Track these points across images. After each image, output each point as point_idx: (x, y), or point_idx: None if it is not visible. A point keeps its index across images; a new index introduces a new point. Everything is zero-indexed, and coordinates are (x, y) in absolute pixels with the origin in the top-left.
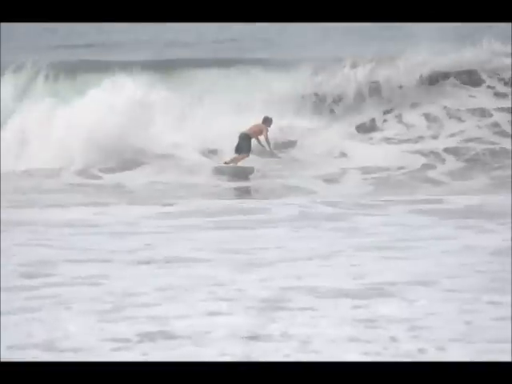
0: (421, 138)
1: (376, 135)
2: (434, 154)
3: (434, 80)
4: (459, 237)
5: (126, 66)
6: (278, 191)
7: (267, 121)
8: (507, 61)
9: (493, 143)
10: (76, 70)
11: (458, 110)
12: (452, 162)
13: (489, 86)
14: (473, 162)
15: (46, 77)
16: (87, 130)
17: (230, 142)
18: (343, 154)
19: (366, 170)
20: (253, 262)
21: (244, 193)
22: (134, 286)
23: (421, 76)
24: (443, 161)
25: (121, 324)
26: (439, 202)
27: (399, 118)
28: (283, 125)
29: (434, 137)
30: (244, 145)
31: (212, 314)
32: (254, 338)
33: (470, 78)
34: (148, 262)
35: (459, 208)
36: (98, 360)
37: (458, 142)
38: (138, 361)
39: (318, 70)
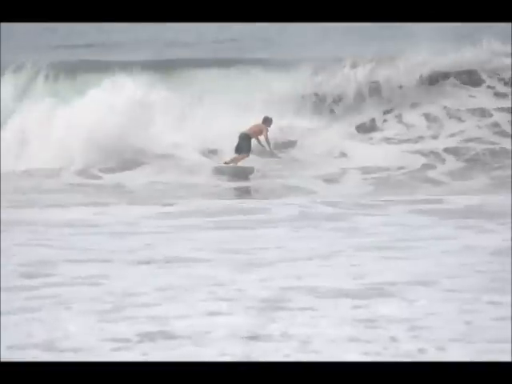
0: (421, 138)
1: (376, 135)
2: (433, 153)
3: (434, 80)
4: (459, 237)
5: (125, 66)
6: (277, 191)
7: (267, 121)
8: (507, 61)
9: (493, 143)
10: (76, 70)
11: (458, 109)
12: (452, 162)
13: (489, 86)
14: (473, 161)
15: (46, 77)
16: (87, 130)
17: (230, 141)
18: (343, 154)
19: (366, 170)
20: (253, 262)
21: (244, 193)
22: (134, 286)
23: (421, 76)
24: (443, 161)
25: (121, 324)
26: (439, 202)
27: (399, 118)
28: (283, 125)
29: (434, 137)
30: (244, 145)
31: (212, 314)
32: (254, 338)
33: (470, 78)
34: (148, 262)
35: (459, 208)
36: (98, 360)
37: (458, 142)
38: (138, 361)
39: (318, 69)
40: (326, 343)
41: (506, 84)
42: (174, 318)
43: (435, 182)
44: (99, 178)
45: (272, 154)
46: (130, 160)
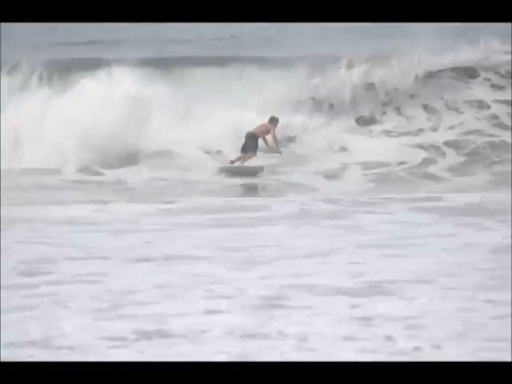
0: (420, 130)
1: (375, 128)
2: (434, 147)
3: (430, 78)
4: (459, 234)
5: (124, 64)
6: (278, 188)
7: (274, 120)
8: (505, 58)
9: (492, 136)
10: (72, 68)
11: (456, 101)
12: (452, 157)
13: (485, 79)
14: (473, 155)
15: (40, 77)
16: (83, 127)
17: (230, 139)
18: (343, 149)
19: (366, 166)
20: (252, 260)
21: (246, 190)
22: (133, 284)
23: (416, 76)
24: (443, 155)
25: (119, 322)
26: (439, 199)
27: (398, 110)
28: (282, 121)
29: (434, 129)
30: (251, 144)
31: (210, 312)
32: (252, 336)
33: (466, 72)
34: (147, 260)
35: (459, 206)
36: (94, 358)
37: (458, 135)
38: (135, 360)
39: (314, 71)
40: (325, 341)
41: (502, 77)
42: (172, 316)
43: (436, 178)
44: (100, 174)
45: (280, 153)
46: (129, 157)
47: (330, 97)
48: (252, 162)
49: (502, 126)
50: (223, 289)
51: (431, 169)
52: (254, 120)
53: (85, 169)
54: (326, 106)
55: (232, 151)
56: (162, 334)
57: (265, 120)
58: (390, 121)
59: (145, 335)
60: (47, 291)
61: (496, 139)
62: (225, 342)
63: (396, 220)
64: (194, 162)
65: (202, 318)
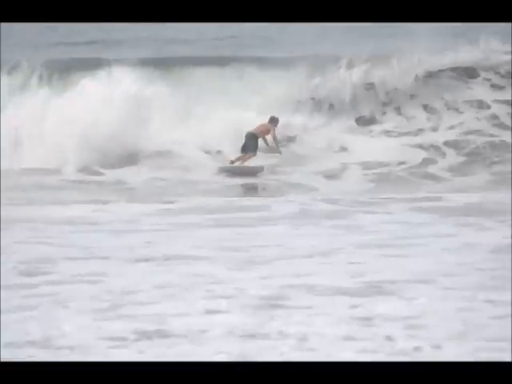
0: (420, 130)
1: (376, 128)
2: (434, 147)
3: (430, 78)
4: (459, 234)
5: (124, 64)
6: (278, 188)
7: (274, 120)
8: (505, 58)
9: (492, 135)
10: (72, 68)
11: (456, 101)
12: (452, 157)
13: (485, 79)
14: (473, 155)
15: (40, 77)
16: (83, 127)
17: (230, 139)
18: (343, 149)
19: (366, 166)
20: (252, 260)
21: (246, 190)
22: (133, 284)
23: (416, 76)
24: (443, 155)
25: (119, 322)
26: (439, 199)
27: (398, 110)
28: (282, 121)
29: (434, 129)
30: (251, 144)
31: (210, 312)
32: (252, 336)
33: (466, 72)
34: (147, 260)
35: (459, 206)
36: (94, 358)
37: (458, 135)
38: (135, 360)
39: (314, 71)
40: (325, 341)
41: (502, 77)
42: (172, 316)
43: (436, 178)
44: (100, 174)
45: (280, 153)
46: (129, 157)
47: (329, 97)
48: (252, 162)
49: (501, 126)
50: (223, 289)
51: (431, 169)
52: (254, 120)
53: (85, 169)
54: (326, 106)
55: (232, 151)
56: (162, 334)
57: (265, 120)
58: (390, 121)
59: (145, 335)
60: (47, 291)
61: (496, 139)
62: (225, 342)
63: (396, 220)
64: (194, 162)
65: (202, 317)
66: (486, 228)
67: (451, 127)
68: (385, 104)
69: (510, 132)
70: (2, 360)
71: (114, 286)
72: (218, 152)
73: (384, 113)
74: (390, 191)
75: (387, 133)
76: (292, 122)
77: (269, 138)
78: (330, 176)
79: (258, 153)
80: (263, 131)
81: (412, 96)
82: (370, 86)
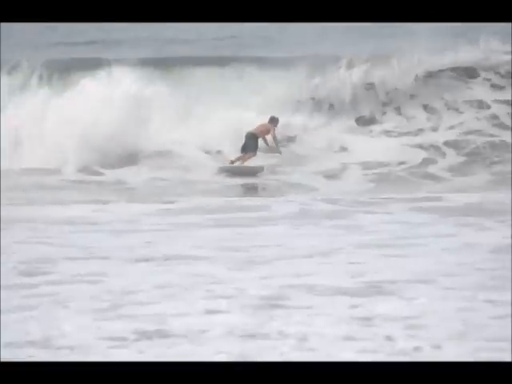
0: (420, 130)
1: (376, 128)
2: (434, 147)
3: (430, 78)
4: (459, 234)
5: (124, 64)
6: (278, 188)
7: (274, 120)
8: (505, 58)
9: (492, 135)
10: (72, 68)
11: (456, 101)
12: (452, 157)
13: (485, 79)
14: (473, 155)
15: (40, 77)
16: (83, 127)
17: (230, 139)
18: (343, 149)
19: (366, 166)
20: (252, 260)
21: (246, 190)
22: (133, 284)
23: (416, 76)
24: (443, 155)
25: (119, 322)
26: (439, 199)
27: (398, 110)
28: (282, 121)
29: (434, 129)
30: (251, 144)
31: (210, 312)
32: (252, 335)
33: (466, 72)
34: (147, 260)
35: (459, 206)
36: (94, 358)
37: (458, 135)
38: (135, 360)
39: (314, 71)
40: (325, 341)
41: (502, 77)
42: (172, 316)
43: (436, 178)
44: (100, 174)
45: (280, 153)
46: (128, 158)
47: (330, 97)
48: (252, 162)
49: (501, 126)
50: (223, 289)
51: (431, 169)
52: (254, 120)
53: (85, 169)
54: (326, 106)
55: (232, 151)
56: (162, 334)
57: (265, 120)
58: (390, 121)
59: (145, 335)
60: (47, 291)
61: (496, 139)
62: (225, 342)
63: (396, 220)
64: (194, 162)
65: (202, 317)
66: (486, 228)
67: (451, 127)
68: (385, 104)
69: (509, 132)
70: (2, 360)
71: (113, 285)
72: (218, 152)
73: (384, 113)
74: (390, 191)
75: (387, 133)
76: (292, 121)
77: (269, 138)
78: (330, 176)
79: (258, 153)
80: (263, 131)
81: (412, 96)
82: (369, 86)
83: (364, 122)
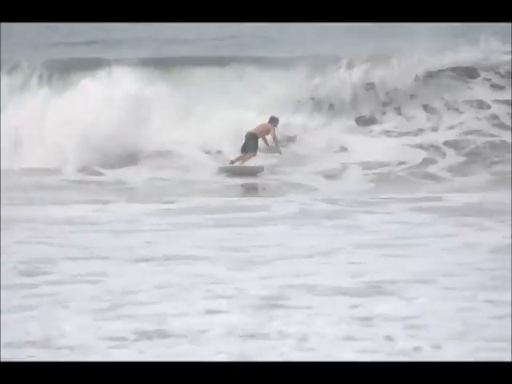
0: (420, 130)
1: (376, 128)
2: (434, 147)
3: (430, 78)
4: (459, 234)
5: (124, 64)
6: (278, 188)
7: (274, 120)
8: (505, 58)
9: (492, 136)
10: (72, 68)
11: (456, 101)
12: (452, 157)
13: (485, 78)
14: (473, 155)
15: (40, 77)
16: (83, 127)
17: (230, 139)
18: (343, 149)
19: (366, 166)
20: (252, 260)
21: (246, 190)
22: (133, 284)
23: (416, 76)
24: (443, 155)
25: (119, 322)
26: (439, 199)
27: (398, 110)
28: (282, 121)
29: (434, 129)
30: (251, 144)
31: (210, 312)
32: (252, 335)
33: (466, 72)
34: (147, 260)
35: (459, 206)
36: (94, 358)
37: (458, 135)
38: (135, 360)
39: (314, 70)
40: (325, 341)
41: (502, 77)
42: (172, 316)
43: (436, 178)
44: (100, 174)
45: (280, 153)
46: (128, 158)
47: (330, 97)
48: (252, 162)
49: (501, 126)
50: (223, 289)
51: (431, 169)
52: (254, 120)
53: (85, 169)
54: (326, 106)
55: (232, 151)
56: (162, 334)
57: (265, 120)
58: (390, 121)
59: (145, 335)
60: (47, 291)
61: (496, 139)
62: (225, 342)
63: (396, 220)
64: (194, 162)
65: (202, 317)
66: (486, 228)
67: (451, 127)
68: (385, 104)
69: (509, 132)
70: (2, 360)
71: (114, 285)
72: (218, 152)
73: (384, 113)
74: (390, 191)
75: (387, 133)
76: (292, 121)
77: (269, 138)
78: (330, 176)
79: (258, 153)
80: (263, 131)
81: (412, 96)
82: (370, 86)
83: (364, 121)
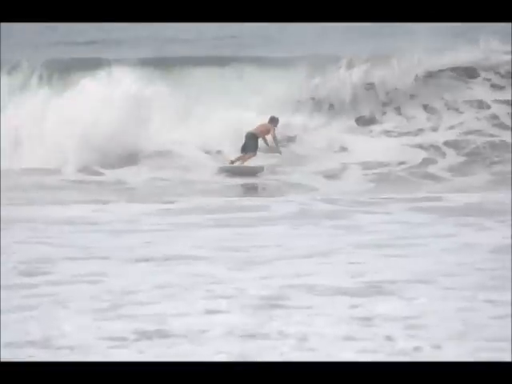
0: (420, 130)
1: (376, 128)
2: (434, 147)
3: (430, 78)
4: (459, 234)
5: (124, 64)
6: (278, 188)
7: (274, 120)
8: (505, 58)
9: (492, 135)
10: (72, 68)
11: (456, 101)
12: (452, 157)
13: (485, 78)
14: (473, 155)
15: (40, 77)
16: (83, 127)
17: (230, 139)
18: (343, 149)
19: (366, 166)
20: (252, 260)
21: (246, 190)
22: (133, 284)
23: (416, 76)
24: (443, 155)
25: (119, 322)
26: (439, 199)
27: (398, 110)
28: (282, 121)
29: (434, 129)
30: (251, 144)
31: (210, 312)
32: (252, 336)
33: (466, 72)
34: (147, 260)
35: (459, 206)
36: (94, 358)
37: (458, 135)
38: (135, 360)
39: (314, 70)
40: (325, 341)
41: (502, 77)
42: (172, 316)
43: (436, 178)
44: (100, 174)
45: (280, 153)
46: (126, 157)
47: (330, 97)
48: (252, 162)
49: (501, 126)
50: (223, 289)
51: (431, 169)
52: (254, 120)
53: (85, 169)
54: (326, 106)
55: (232, 151)
56: (162, 334)
57: (265, 120)
58: (390, 121)
59: (145, 335)
60: (47, 291)
61: (496, 139)
62: (225, 342)
63: (396, 220)
64: (194, 162)
65: (202, 317)
66: (486, 228)
67: (451, 127)
68: (385, 104)
69: (509, 132)
70: (2, 360)
71: (114, 285)
72: (218, 152)
73: (384, 113)
74: (389, 191)
75: (387, 133)
76: (292, 121)
77: (269, 138)
78: (330, 176)
79: (258, 153)
80: (263, 131)
81: (412, 96)
82: (370, 86)
83: (364, 121)
